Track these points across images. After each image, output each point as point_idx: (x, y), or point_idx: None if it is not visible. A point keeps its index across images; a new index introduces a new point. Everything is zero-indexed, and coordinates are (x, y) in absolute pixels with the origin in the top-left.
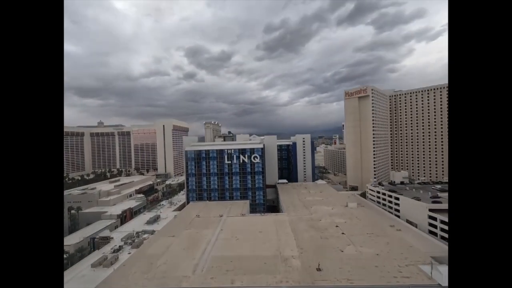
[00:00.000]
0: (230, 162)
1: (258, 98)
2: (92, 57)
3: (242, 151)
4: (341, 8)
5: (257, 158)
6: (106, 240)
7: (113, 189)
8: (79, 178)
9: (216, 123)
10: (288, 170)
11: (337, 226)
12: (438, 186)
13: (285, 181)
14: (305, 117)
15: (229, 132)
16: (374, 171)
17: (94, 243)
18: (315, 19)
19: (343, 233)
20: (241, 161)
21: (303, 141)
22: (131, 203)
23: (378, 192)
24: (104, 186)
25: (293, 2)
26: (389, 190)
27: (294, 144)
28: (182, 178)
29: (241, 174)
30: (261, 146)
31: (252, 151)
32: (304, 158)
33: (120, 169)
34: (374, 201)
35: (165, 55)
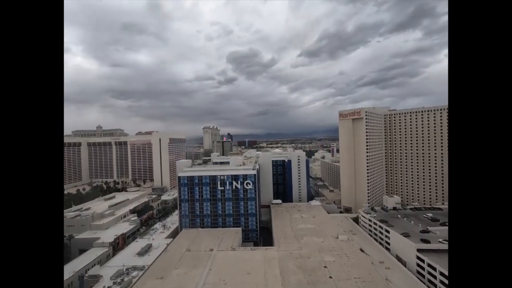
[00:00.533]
0: (223, 188)
1: (279, 100)
2: (157, 65)
3: (235, 177)
4: (396, 17)
5: (249, 184)
6: (95, 278)
7: (107, 210)
8: (75, 192)
9: (215, 127)
10: (283, 185)
11: (325, 267)
12: (430, 215)
13: (279, 201)
14: (317, 117)
15: (228, 134)
16: (368, 193)
17: (83, 282)
18: (368, 28)
19: (330, 277)
20: (233, 187)
21: (298, 159)
22: (125, 226)
23: (370, 221)
24: (98, 205)
25: (349, 12)
26: (380, 221)
27: (289, 161)
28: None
29: (234, 200)
30: (254, 172)
31: (244, 177)
32: (299, 176)
33: (117, 181)
34: (366, 228)
35: (217, 62)
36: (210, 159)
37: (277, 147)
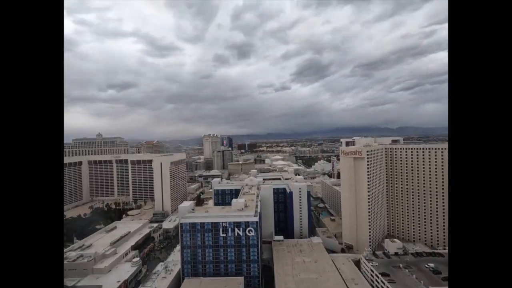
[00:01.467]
0: (225, 234)
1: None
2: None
3: (237, 224)
4: None
5: (251, 231)
6: None
7: (108, 248)
8: (76, 216)
9: (215, 135)
10: (284, 213)
11: None
12: (431, 265)
13: (281, 238)
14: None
15: (228, 138)
16: (369, 233)
17: None
18: None
19: None
20: (236, 234)
21: (300, 192)
22: (127, 269)
23: (372, 271)
24: (100, 239)
25: None
26: (382, 274)
27: (291, 193)
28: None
29: (236, 246)
30: (256, 219)
31: (246, 224)
32: (300, 208)
33: (118, 201)
34: (368, 277)
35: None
36: (211, 176)
37: (277, 152)
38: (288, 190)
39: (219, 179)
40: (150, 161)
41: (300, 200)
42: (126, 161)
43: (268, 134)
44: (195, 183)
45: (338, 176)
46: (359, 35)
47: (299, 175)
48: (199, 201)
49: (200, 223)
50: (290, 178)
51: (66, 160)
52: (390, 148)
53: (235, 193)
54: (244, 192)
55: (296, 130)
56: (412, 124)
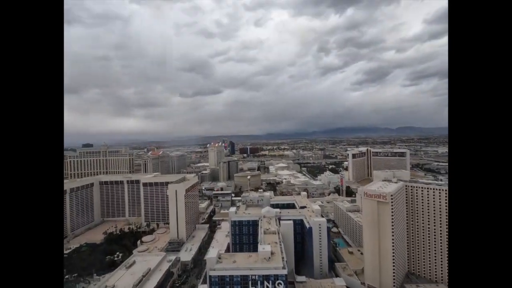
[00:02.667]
0: (254, 287)
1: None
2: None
3: (266, 277)
4: None
5: (281, 284)
6: None
7: None
8: (91, 244)
9: (220, 144)
10: (301, 244)
11: None
12: None
13: (303, 279)
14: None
15: (231, 142)
16: (394, 276)
17: None
18: None
19: None
20: (265, 286)
21: (319, 227)
22: None
23: None
24: (120, 277)
25: None
26: None
27: (310, 229)
28: (195, 246)
29: None
30: (285, 272)
31: (276, 277)
32: (320, 244)
33: (130, 224)
34: None
35: None
36: (222, 195)
37: (279, 156)
38: (306, 224)
39: (235, 209)
40: (162, 184)
41: (320, 235)
42: (137, 181)
43: (268, 135)
44: (205, 201)
45: (347, 194)
46: None
47: (307, 191)
48: (211, 224)
49: (229, 275)
50: (306, 206)
51: (79, 183)
52: (411, 187)
53: (252, 225)
54: (265, 230)
55: (296, 130)
56: (412, 124)
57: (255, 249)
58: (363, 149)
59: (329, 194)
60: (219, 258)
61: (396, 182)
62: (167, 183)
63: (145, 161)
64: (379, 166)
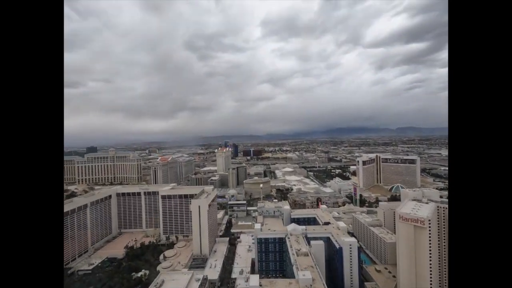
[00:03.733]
0: None
1: None
2: None
3: None
4: None
5: None
6: None
7: None
8: (113, 259)
9: (228, 149)
10: (329, 264)
11: None
12: None
13: None
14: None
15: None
16: None
17: None
18: None
19: None
20: None
21: (350, 248)
22: None
23: None
24: None
25: None
26: None
27: (340, 249)
28: (219, 262)
29: None
30: None
31: None
32: (351, 264)
33: (149, 237)
34: None
35: None
36: (237, 205)
37: (283, 158)
38: (335, 243)
39: (259, 225)
40: (181, 196)
41: (350, 256)
42: (155, 193)
43: (268, 135)
44: (220, 211)
45: (361, 203)
46: None
47: (320, 200)
48: (231, 237)
49: None
50: (329, 222)
51: (98, 196)
52: (443, 208)
53: (279, 242)
54: (296, 251)
55: (296, 130)
56: (412, 124)
57: (281, 267)
58: (372, 155)
59: (343, 204)
60: (260, 285)
61: (427, 203)
62: (185, 196)
63: (154, 168)
64: (388, 173)
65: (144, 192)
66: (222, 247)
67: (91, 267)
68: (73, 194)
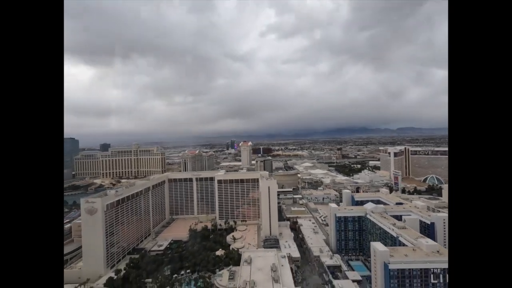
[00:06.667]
0: (436, 281)
1: None
2: None
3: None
4: None
5: None
6: None
7: None
8: (180, 245)
9: (250, 143)
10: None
11: None
12: None
13: None
14: None
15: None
16: None
17: None
18: None
19: None
20: (447, 280)
21: (444, 222)
22: None
23: None
24: (245, 272)
25: None
26: None
27: (433, 224)
28: (291, 243)
29: None
30: None
31: None
32: (444, 239)
33: (206, 225)
34: None
35: None
36: (283, 193)
37: (294, 156)
38: (424, 220)
39: (334, 204)
40: (237, 181)
41: (444, 230)
42: (206, 179)
43: (268, 135)
44: None
45: (403, 191)
46: None
47: (361, 190)
48: (291, 222)
49: (408, 269)
50: (402, 203)
51: (153, 182)
52: None
53: (358, 220)
54: (391, 225)
55: (296, 131)
56: (412, 125)
57: (361, 246)
58: (401, 147)
59: (391, 192)
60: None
61: None
62: (241, 180)
63: (184, 160)
64: (418, 165)
65: (196, 178)
66: (285, 230)
67: (161, 248)
68: (101, 186)
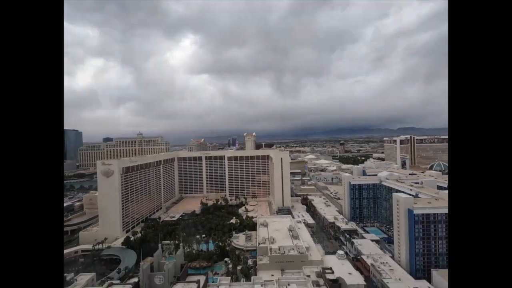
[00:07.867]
0: None
1: None
2: None
3: None
4: None
5: None
6: None
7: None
8: (192, 217)
9: (254, 134)
10: None
11: None
12: None
13: None
14: None
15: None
16: None
17: None
18: None
19: None
20: None
21: None
22: (334, 261)
23: None
24: (262, 233)
25: None
26: None
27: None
28: (304, 213)
29: None
30: None
31: None
32: None
33: (218, 201)
34: None
35: None
36: (297, 173)
37: (296, 151)
38: (442, 184)
39: (348, 174)
40: (247, 158)
41: None
42: (216, 157)
43: (268, 135)
44: None
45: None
46: None
47: None
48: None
49: (433, 214)
50: (418, 173)
51: (164, 157)
52: None
53: (373, 188)
54: (418, 186)
55: (295, 131)
56: (412, 124)
57: (375, 213)
58: (406, 136)
59: None
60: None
61: None
62: (251, 157)
63: (190, 147)
64: (424, 154)
65: (206, 157)
66: (297, 204)
67: (173, 218)
68: None
